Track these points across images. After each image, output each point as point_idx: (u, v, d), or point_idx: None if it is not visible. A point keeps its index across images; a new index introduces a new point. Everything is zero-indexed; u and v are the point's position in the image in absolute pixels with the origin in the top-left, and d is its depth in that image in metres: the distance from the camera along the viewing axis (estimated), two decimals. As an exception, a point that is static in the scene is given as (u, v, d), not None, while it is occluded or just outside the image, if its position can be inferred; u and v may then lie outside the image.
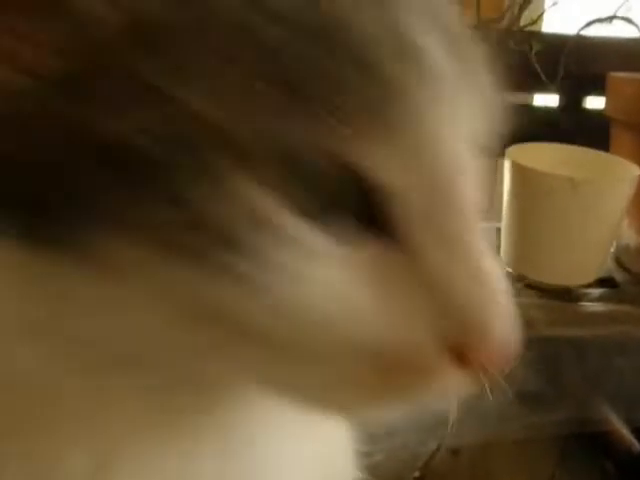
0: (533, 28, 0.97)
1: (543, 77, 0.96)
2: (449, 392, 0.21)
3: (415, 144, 0.19)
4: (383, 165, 0.18)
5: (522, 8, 0.76)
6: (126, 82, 0.17)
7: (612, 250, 0.88)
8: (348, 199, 0.18)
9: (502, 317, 0.20)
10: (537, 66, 0.94)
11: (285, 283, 0.17)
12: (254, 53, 0.17)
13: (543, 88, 0.99)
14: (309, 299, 0.18)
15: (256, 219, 0.17)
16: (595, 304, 0.78)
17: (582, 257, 0.77)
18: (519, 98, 1.07)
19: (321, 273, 0.18)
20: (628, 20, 0.89)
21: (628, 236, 0.85)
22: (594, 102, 1.01)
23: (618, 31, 0.95)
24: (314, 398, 0.20)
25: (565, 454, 1.01)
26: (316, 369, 0.19)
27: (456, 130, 0.20)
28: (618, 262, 0.88)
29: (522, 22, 0.91)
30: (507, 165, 0.75)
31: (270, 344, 0.18)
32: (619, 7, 0.90)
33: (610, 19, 0.91)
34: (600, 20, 0.92)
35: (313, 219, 0.18)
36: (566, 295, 0.78)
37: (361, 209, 0.19)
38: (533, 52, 0.92)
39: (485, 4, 0.90)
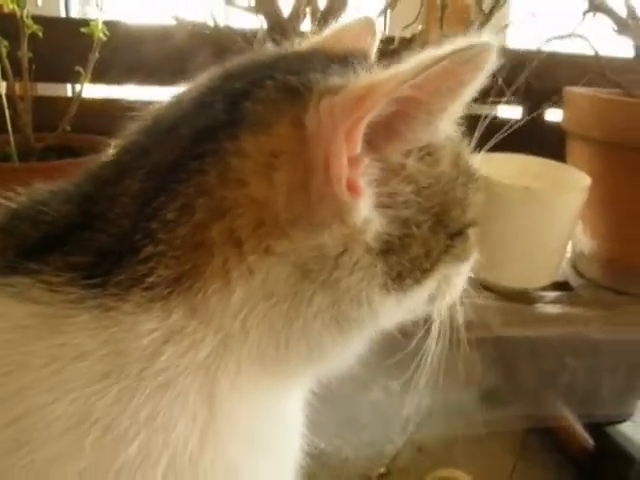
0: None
1: (505, 90, 1.01)
2: None
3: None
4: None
5: (482, 25, 0.80)
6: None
7: (568, 255, 0.93)
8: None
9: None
10: (499, 79, 0.99)
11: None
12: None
13: (506, 101, 1.04)
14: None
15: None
16: (550, 306, 0.83)
17: (538, 262, 0.81)
18: (484, 109, 1.11)
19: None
20: (584, 38, 0.94)
21: (583, 242, 0.90)
22: (554, 115, 1.06)
23: (576, 48, 1.00)
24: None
25: (525, 448, 1.05)
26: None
27: None
28: (574, 267, 0.93)
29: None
30: (467, 174, 0.79)
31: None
32: (577, 25, 0.95)
33: (568, 36, 0.96)
34: (559, 37, 0.97)
35: None
36: (523, 298, 0.82)
37: None
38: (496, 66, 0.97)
39: (449, 19, 0.94)
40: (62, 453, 0.28)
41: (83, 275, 0.31)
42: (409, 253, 0.35)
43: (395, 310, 0.36)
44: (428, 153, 0.36)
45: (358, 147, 0.31)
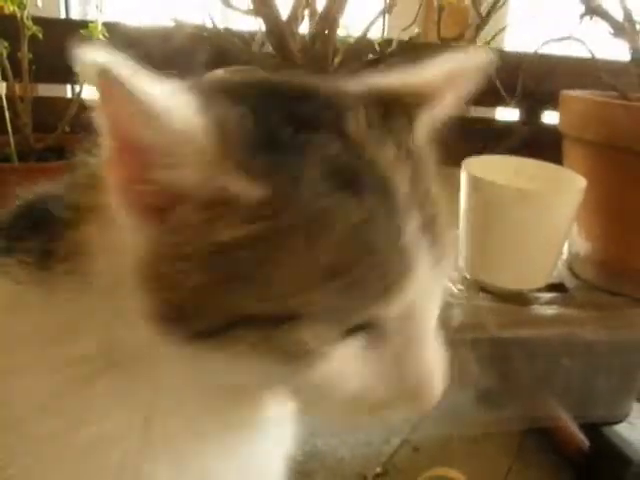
0: (495, 46, 1.02)
1: (503, 93, 1.02)
2: (402, 414, 0.37)
3: (403, 300, 0.32)
4: (386, 313, 0.32)
5: (479, 27, 0.80)
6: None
7: (564, 257, 0.94)
8: (363, 325, 0.33)
9: (433, 390, 0.34)
10: (497, 82, 1.00)
11: (318, 366, 0.32)
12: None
13: (504, 103, 1.05)
14: (330, 374, 0.32)
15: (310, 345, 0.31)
16: (545, 307, 0.83)
17: (533, 263, 0.82)
18: (481, 112, 1.12)
19: (339, 360, 0.32)
20: (581, 41, 0.94)
21: (578, 244, 0.91)
22: (551, 117, 1.07)
23: (572, 51, 1.00)
24: (328, 415, 0.37)
25: (521, 449, 1.05)
26: (332, 404, 0.35)
27: (426, 287, 0.33)
28: (569, 268, 0.93)
29: (483, 40, 0.96)
30: (463, 176, 0.80)
31: (307, 392, 0.34)
32: (573, 28, 0.96)
33: (565, 39, 0.97)
34: (556, 40, 0.98)
35: (342, 338, 0.32)
36: (518, 299, 0.83)
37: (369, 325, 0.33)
38: (493, 68, 0.97)
39: (446, 22, 0.95)
40: None
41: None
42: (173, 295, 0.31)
43: (191, 363, 0.33)
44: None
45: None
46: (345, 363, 0.33)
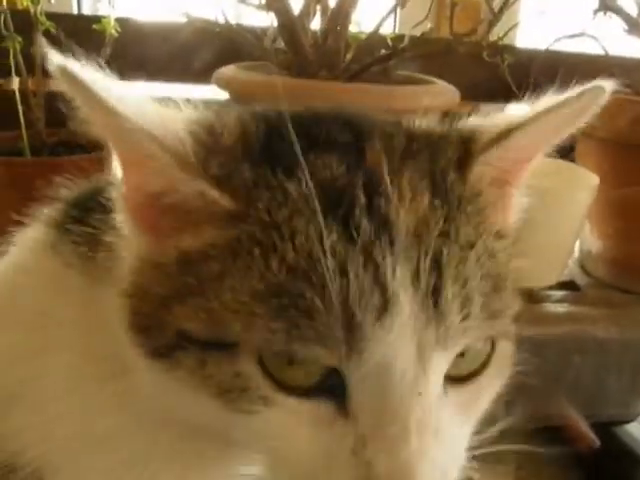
0: (507, 42, 1.02)
1: (514, 89, 1.01)
2: None
3: (367, 355, 0.26)
4: (353, 372, 0.27)
5: (492, 23, 0.80)
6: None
7: (576, 255, 0.93)
8: (331, 386, 0.28)
9: None
10: (509, 78, 0.99)
11: (258, 416, 0.28)
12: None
13: (515, 99, 1.04)
14: (273, 433, 0.28)
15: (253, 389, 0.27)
16: (557, 305, 0.83)
17: (545, 260, 0.81)
18: (492, 108, 1.12)
19: (285, 420, 0.28)
20: (594, 38, 0.94)
21: (590, 242, 0.90)
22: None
23: (585, 48, 1.00)
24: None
25: (531, 447, 1.05)
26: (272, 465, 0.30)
27: (409, 355, 0.27)
28: (581, 266, 0.93)
29: (495, 36, 0.95)
30: (475, 173, 0.80)
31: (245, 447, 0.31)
32: (586, 24, 0.95)
33: (578, 36, 0.96)
34: (568, 36, 0.97)
35: (299, 394, 0.28)
36: (529, 297, 0.82)
37: (336, 389, 0.28)
38: (505, 65, 0.97)
39: (458, 17, 0.94)
40: None
41: None
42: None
43: (161, 380, 0.30)
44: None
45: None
46: (293, 427, 0.28)
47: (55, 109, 0.86)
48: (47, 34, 0.80)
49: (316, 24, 0.83)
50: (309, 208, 0.27)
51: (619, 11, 0.89)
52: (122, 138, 0.28)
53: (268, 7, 0.78)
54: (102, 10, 1.10)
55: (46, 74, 0.86)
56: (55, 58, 0.27)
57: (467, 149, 0.32)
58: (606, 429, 0.98)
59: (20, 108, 0.81)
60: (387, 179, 0.29)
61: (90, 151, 0.81)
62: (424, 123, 0.35)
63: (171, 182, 0.28)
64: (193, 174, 0.28)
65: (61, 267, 0.35)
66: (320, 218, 0.27)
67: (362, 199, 0.28)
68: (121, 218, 0.31)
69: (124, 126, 0.27)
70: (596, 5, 0.90)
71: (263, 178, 0.29)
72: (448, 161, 0.31)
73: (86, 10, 1.28)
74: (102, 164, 0.80)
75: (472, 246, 0.29)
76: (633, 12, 0.88)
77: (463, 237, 0.29)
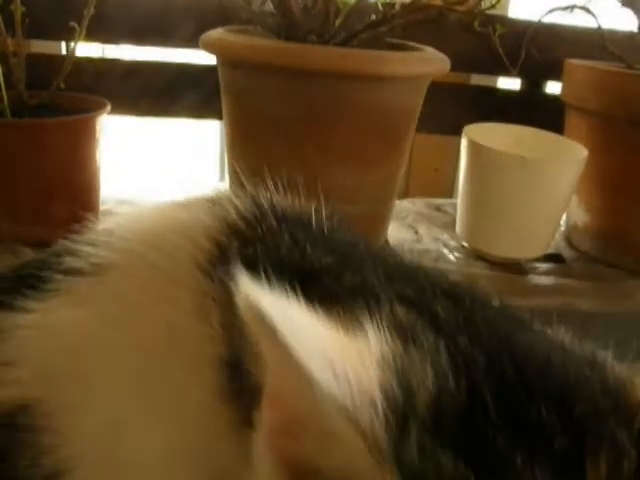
0: (498, 12, 1.00)
1: (505, 60, 1.00)
2: None
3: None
4: None
5: (485, -8, 0.79)
6: None
7: (562, 228, 0.93)
8: None
9: None
10: (500, 49, 0.98)
11: None
12: None
13: (506, 71, 1.03)
14: None
15: None
16: (542, 277, 0.83)
17: (531, 232, 0.81)
18: (483, 80, 1.11)
19: None
20: (587, 10, 0.92)
21: (577, 215, 0.90)
22: (553, 87, 1.06)
23: (578, 20, 0.99)
24: None
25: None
26: None
27: None
28: (567, 240, 0.93)
29: (485, 5, 0.94)
30: (464, 143, 0.79)
31: None
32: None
33: (571, 8, 0.95)
34: (561, 8, 0.96)
35: None
36: (515, 268, 0.82)
37: None
38: (496, 35, 0.96)
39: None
40: None
41: None
42: None
43: None
44: None
45: None
46: None
47: (36, 71, 0.84)
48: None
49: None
50: None
51: (613, -18, 0.88)
52: (304, 403, 0.21)
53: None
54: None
55: (27, 34, 0.83)
56: (247, 287, 0.20)
57: None
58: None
59: (0, 69, 0.79)
60: None
61: (71, 114, 0.79)
62: None
63: (346, 463, 0.21)
64: (380, 463, 0.20)
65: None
66: None
67: None
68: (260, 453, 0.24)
69: (316, 396, 0.20)
70: (590, -24, 0.89)
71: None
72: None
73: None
74: (85, 126, 0.78)
75: None
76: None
77: None
